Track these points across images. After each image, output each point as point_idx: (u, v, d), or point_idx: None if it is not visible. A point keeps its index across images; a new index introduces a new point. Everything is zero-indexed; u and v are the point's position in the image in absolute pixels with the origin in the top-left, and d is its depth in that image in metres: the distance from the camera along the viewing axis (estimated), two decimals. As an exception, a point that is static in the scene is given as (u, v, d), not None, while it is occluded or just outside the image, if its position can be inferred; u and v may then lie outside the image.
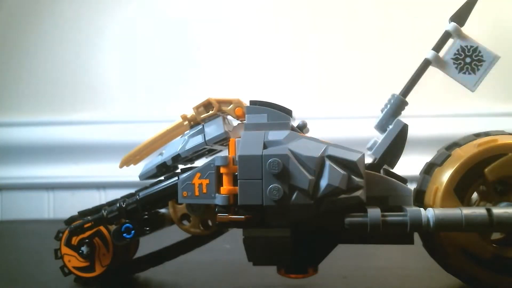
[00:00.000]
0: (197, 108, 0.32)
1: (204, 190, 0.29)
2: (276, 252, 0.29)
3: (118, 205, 0.32)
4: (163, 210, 0.35)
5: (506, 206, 0.28)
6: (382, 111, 0.31)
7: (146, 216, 0.33)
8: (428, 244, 0.31)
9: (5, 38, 0.81)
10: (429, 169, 0.31)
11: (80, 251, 0.34)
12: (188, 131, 0.33)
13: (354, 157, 0.28)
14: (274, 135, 0.28)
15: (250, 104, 0.30)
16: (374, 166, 0.30)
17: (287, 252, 0.29)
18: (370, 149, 0.30)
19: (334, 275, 0.36)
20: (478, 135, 0.30)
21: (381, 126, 0.31)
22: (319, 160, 0.27)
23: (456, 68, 0.30)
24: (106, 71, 0.81)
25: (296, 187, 0.27)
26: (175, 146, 0.33)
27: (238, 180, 0.28)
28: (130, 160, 0.34)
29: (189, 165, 0.34)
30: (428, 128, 0.79)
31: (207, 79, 0.79)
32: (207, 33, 0.80)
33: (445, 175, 0.29)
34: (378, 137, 0.30)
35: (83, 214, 0.36)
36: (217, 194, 0.29)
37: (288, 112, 0.30)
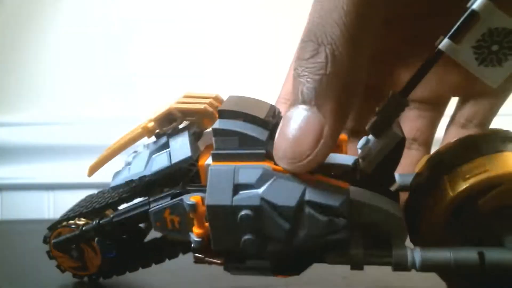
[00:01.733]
0: (157, 120, 0.28)
1: (177, 226, 0.27)
2: (257, 273, 0.27)
3: (94, 224, 0.32)
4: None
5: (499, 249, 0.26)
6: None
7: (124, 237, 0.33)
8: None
9: (4, 38, 0.81)
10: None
11: (70, 255, 0.35)
12: (152, 142, 0.31)
13: (336, 201, 0.24)
14: (245, 175, 0.24)
15: (218, 116, 0.25)
16: (363, 182, 0.26)
17: (268, 274, 0.27)
18: (361, 151, 0.26)
19: (334, 275, 0.36)
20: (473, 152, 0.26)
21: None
22: (297, 208, 0.24)
23: (477, 59, 0.22)
24: (106, 70, 0.81)
25: (272, 238, 0.24)
26: (141, 160, 0.30)
27: (210, 227, 0.25)
28: (96, 168, 0.34)
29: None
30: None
31: (193, 73, 0.78)
32: (180, 23, 0.79)
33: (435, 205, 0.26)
34: (371, 139, 0.25)
35: (63, 220, 0.35)
36: (190, 233, 0.27)
37: (264, 125, 0.25)
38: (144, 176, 0.30)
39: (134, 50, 0.80)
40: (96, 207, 0.34)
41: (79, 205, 0.38)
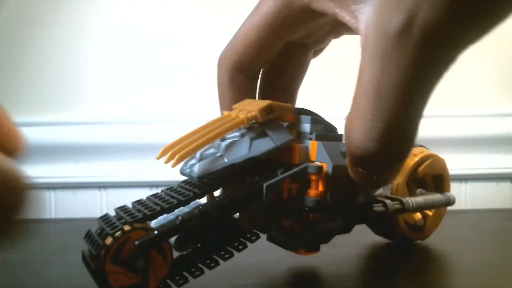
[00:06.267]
0: (260, 110, 0.32)
1: (294, 194, 0.31)
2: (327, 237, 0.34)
3: (197, 211, 0.29)
4: None
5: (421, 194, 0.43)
6: None
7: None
8: (380, 227, 0.45)
9: (4, 37, 0.81)
10: None
11: (132, 267, 0.27)
12: (237, 133, 0.32)
13: None
14: (343, 146, 0.32)
15: (299, 112, 0.33)
16: None
17: (332, 236, 0.35)
18: None
19: (334, 274, 0.36)
20: None
21: None
22: None
23: None
24: (106, 70, 0.81)
25: (363, 190, 0.33)
26: (242, 146, 0.31)
27: (332, 186, 0.31)
28: (186, 157, 0.30)
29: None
30: (428, 129, 0.79)
31: (202, 78, 0.78)
32: (199, 30, 0.80)
33: (401, 175, 0.42)
34: None
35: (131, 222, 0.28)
36: (306, 197, 0.31)
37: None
38: (252, 157, 0.31)
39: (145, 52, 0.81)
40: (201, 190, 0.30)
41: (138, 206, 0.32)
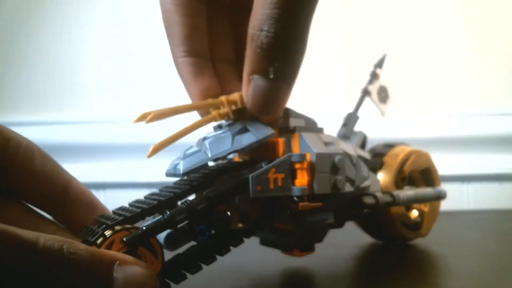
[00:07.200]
0: (229, 102, 0.32)
1: (280, 184, 0.30)
2: (320, 233, 0.35)
3: (184, 206, 0.29)
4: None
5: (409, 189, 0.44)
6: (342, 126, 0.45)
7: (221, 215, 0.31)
8: (372, 226, 0.45)
9: (3, 37, 0.81)
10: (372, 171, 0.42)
11: None
12: (219, 131, 0.33)
13: (368, 156, 0.38)
14: (325, 137, 0.34)
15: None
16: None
17: (325, 233, 0.35)
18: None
19: (333, 275, 0.36)
20: (389, 145, 0.46)
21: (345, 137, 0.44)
22: (356, 157, 0.34)
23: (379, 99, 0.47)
24: (106, 70, 0.81)
25: (348, 178, 0.33)
26: (224, 141, 0.32)
27: (316, 174, 0.31)
28: (160, 148, 0.30)
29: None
30: (430, 129, 0.79)
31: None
32: None
33: (388, 175, 0.43)
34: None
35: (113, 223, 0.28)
36: (293, 187, 0.31)
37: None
38: (241, 149, 0.32)
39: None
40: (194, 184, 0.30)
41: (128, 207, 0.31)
